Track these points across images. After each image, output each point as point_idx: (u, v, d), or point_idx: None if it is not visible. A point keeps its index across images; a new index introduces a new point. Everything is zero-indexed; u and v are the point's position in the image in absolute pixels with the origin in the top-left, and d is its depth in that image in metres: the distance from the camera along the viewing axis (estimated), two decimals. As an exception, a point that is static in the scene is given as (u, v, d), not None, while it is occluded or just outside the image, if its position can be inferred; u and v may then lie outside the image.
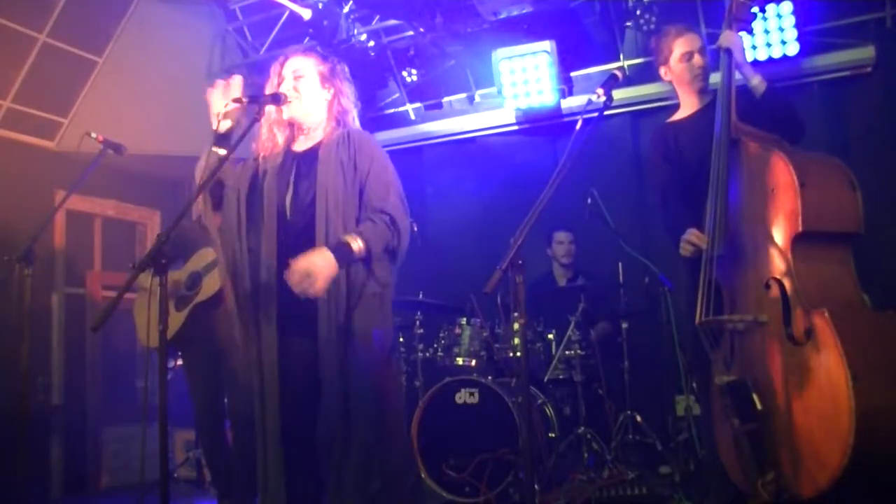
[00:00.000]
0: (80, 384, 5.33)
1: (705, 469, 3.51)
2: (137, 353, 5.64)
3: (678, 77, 2.96)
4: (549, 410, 4.25)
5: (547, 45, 4.96)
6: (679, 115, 3.01)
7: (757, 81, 2.74)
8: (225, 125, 2.44)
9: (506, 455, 3.72)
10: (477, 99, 5.70)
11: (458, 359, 4.32)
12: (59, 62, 4.71)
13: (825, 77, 4.72)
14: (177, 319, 3.62)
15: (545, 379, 4.30)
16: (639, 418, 4.30)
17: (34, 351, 3.47)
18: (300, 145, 2.59)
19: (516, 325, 3.92)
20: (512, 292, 2.16)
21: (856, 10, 4.61)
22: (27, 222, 3.86)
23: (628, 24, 4.88)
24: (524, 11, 4.73)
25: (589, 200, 4.36)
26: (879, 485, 2.18)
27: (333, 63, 2.61)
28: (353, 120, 2.62)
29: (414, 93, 5.79)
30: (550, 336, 4.39)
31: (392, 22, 5.13)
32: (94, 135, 3.44)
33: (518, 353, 3.95)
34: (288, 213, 2.47)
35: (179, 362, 4.04)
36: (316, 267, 2.22)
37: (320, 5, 4.68)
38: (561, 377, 4.32)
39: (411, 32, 5.18)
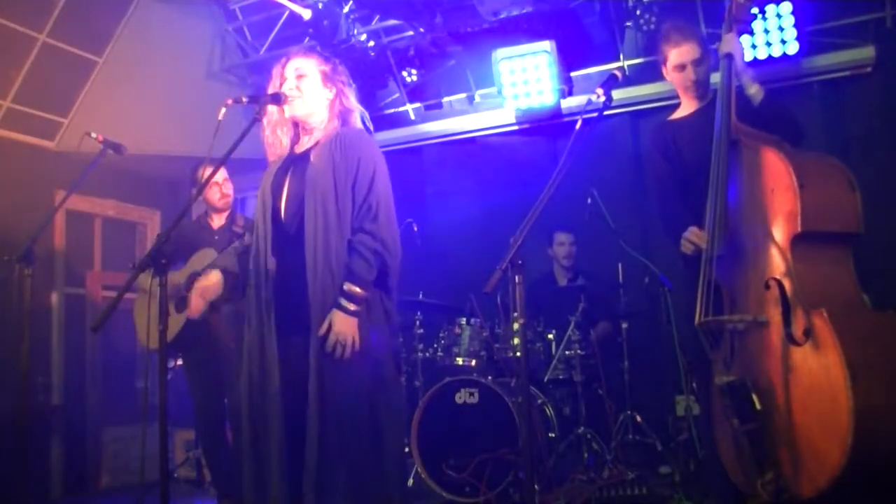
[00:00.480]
0: (80, 384, 5.33)
1: (705, 469, 3.51)
2: (137, 353, 5.63)
3: (674, 82, 2.97)
4: (549, 410, 4.25)
5: (547, 45, 4.96)
6: (679, 114, 3.01)
7: (755, 90, 2.72)
8: None
9: (506, 455, 3.72)
10: (477, 99, 5.70)
11: (458, 359, 4.32)
12: (59, 62, 4.71)
13: (825, 77, 4.72)
14: (177, 321, 3.62)
15: (545, 379, 4.30)
16: (639, 418, 4.30)
17: (34, 351, 3.47)
18: (302, 146, 2.59)
19: (516, 325, 3.90)
20: (512, 292, 2.16)
21: (856, 10, 4.60)
22: (27, 222, 3.86)
23: (628, 24, 4.88)
24: (524, 11, 4.73)
25: (589, 200, 4.36)
26: (879, 484, 2.18)
27: (335, 63, 2.62)
28: (358, 119, 2.62)
29: (414, 93, 5.79)
30: (550, 336, 4.39)
31: (392, 22, 5.13)
32: (94, 135, 3.44)
33: (518, 353, 3.94)
34: (283, 214, 2.49)
35: (179, 362, 4.05)
36: (340, 335, 2.30)
37: (320, 5, 4.68)
38: (561, 377, 4.32)
39: (411, 32, 5.18)
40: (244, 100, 2.45)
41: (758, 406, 2.33)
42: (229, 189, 3.87)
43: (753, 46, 4.56)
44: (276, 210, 2.50)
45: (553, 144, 5.49)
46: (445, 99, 5.82)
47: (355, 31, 4.94)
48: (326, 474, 2.27)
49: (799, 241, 2.36)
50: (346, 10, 4.84)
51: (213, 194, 3.80)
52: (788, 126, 2.70)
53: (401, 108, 5.88)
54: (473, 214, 5.55)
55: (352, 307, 2.32)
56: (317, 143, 2.53)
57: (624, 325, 4.44)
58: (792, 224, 2.36)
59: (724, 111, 2.60)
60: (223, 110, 2.34)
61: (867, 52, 4.59)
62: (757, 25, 4.50)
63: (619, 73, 2.51)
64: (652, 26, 4.60)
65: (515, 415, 3.75)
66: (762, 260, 2.43)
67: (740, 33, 2.78)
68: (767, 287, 2.39)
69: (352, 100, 2.61)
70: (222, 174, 3.80)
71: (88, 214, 5.78)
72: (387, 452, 2.35)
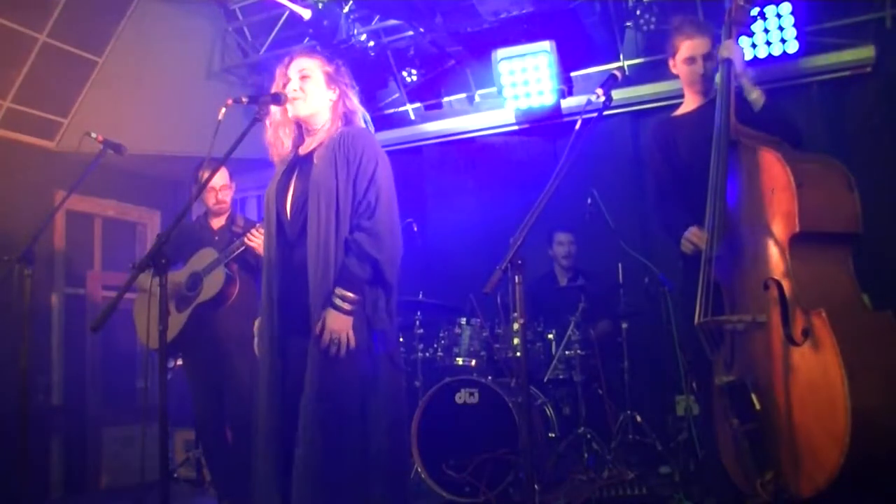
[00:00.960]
0: (80, 384, 5.33)
1: (705, 469, 3.51)
2: (137, 353, 5.64)
3: (681, 75, 2.98)
4: (549, 410, 4.25)
5: (547, 45, 4.97)
6: (681, 111, 3.03)
7: (756, 95, 2.73)
8: None
9: (506, 455, 3.72)
10: (477, 99, 5.71)
11: (458, 359, 4.32)
12: (59, 62, 4.71)
13: (825, 77, 4.73)
14: (178, 321, 3.62)
15: (545, 379, 4.30)
16: (639, 418, 4.30)
17: (34, 351, 3.47)
18: (306, 148, 2.59)
19: (516, 325, 3.92)
20: (512, 292, 2.16)
21: (856, 10, 4.61)
22: (27, 222, 3.87)
23: (628, 24, 4.88)
24: (524, 11, 4.73)
25: (589, 200, 4.37)
26: (878, 484, 2.18)
27: (339, 64, 2.62)
28: (361, 121, 2.61)
29: (414, 93, 5.79)
30: (550, 336, 4.39)
31: (392, 22, 5.14)
32: (94, 135, 3.44)
33: (518, 353, 3.95)
34: (288, 214, 2.49)
35: (179, 362, 4.04)
36: (333, 333, 2.30)
37: (320, 5, 4.68)
38: (561, 377, 4.32)
39: (411, 32, 5.18)
40: (244, 100, 2.44)
41: (757, 406, 2.33)
42: (226, 195, 3.81)
43: (753, 46, 4.57)
44: (280, 212, 2.51)
45: (553, 144, 5.49)
46: (445, 99, 5.83)
47: (355, 32, 4.94)
48: (311, 471, 2.26)
49: (797, 242, 2.36)
50: (346, 10, 4.84)
51: (209, 199, 3.78)
52: (788, 131, 2.70)
53: (401, 108, 5.88)
54: (473, 214, 5.56)
55: (346, 306, 2.32)
56: (320, 145, 2.53)
57: (624, 325, 4.44)
58: (790, 224, 2.36)
59: (723, 113, 2.61)
60: (223, 110, 2.34)
61: (867, 52, 4.59)
62: (757, 25, 4.51)
63: (618, 74, 2.52)
64: (652, 26, 4.61)
65: (515, 415, 3.75)
66: (761, 260, 2.44)
67: (740, 35, 2.78)
68: (766, 287, 2.39)
69: (354, 101, 2.61)
70: (222, 179, 3.75)
71: (88, 214, 5.78)
72: (379, 451, 2.34)
